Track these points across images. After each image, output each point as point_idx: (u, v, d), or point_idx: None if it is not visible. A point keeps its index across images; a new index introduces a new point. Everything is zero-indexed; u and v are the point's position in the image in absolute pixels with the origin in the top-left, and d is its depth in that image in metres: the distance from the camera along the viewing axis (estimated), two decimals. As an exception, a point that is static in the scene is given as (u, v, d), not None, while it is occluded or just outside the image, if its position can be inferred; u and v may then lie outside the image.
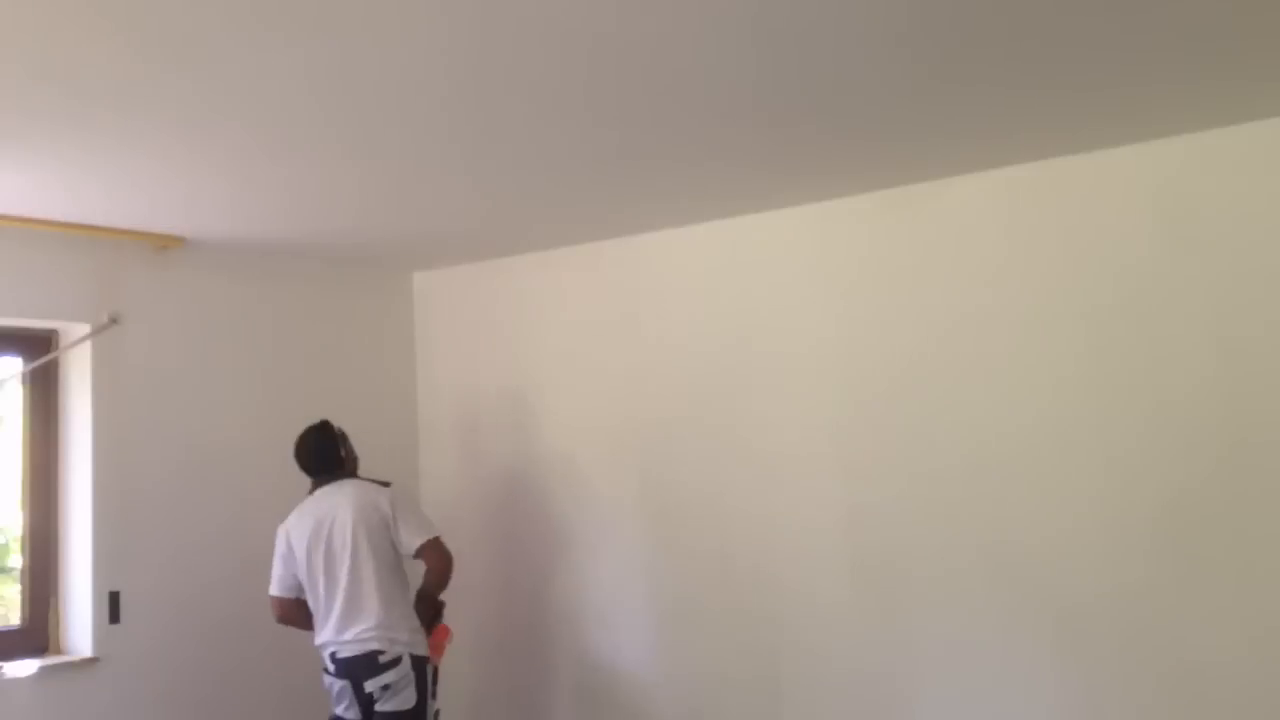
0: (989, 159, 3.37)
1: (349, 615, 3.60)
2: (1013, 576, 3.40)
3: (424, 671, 3.65)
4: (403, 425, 4.96)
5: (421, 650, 3.67)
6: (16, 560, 4.01)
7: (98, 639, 3.89)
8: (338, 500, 3.70)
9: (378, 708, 3.58)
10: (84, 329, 3.95)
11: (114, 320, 3.99)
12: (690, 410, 4.12)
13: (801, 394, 3.85)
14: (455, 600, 4.89)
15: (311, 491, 3.80)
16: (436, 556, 3.73)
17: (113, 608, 3.92)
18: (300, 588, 3.70)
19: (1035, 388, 3.37)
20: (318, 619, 3.67)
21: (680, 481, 4.15)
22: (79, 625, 3.93)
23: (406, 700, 3.59)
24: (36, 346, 4.00)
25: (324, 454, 3.81)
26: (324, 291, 4.72)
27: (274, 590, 3.75)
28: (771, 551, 3.89)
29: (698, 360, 4.11)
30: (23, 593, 3.96)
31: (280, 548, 3.72)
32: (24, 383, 3.99)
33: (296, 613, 3.74)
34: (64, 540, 4.00)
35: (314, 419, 4.59)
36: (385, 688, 3.56)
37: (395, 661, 3.58)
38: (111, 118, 2.66)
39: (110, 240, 3.91)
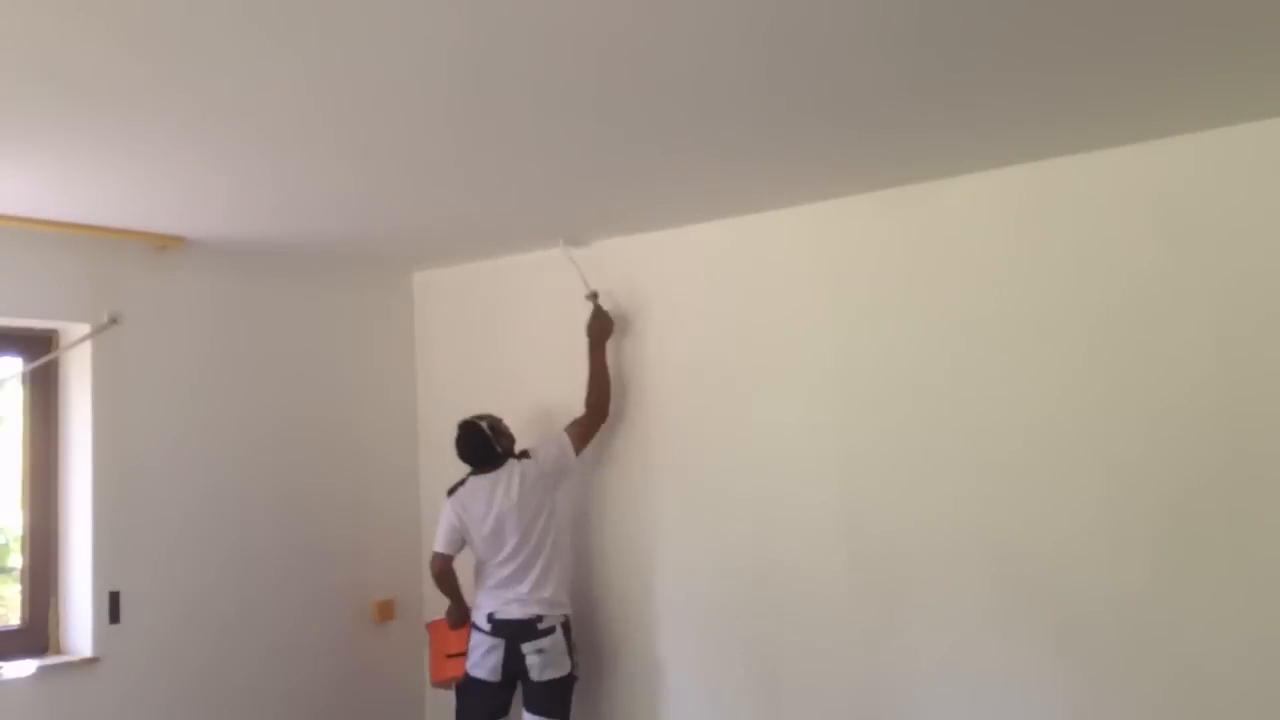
0: (989, 159, 3.37)
1: (520, 584, 3.96)
2: (1013, 578, 3.40)
3: (571, 641, 4.02)
4: (403, 425, 4.97)
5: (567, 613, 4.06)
6: (16, 560, 4.01)
7: (98, 639, 3.89)
8: (508, 483, 4.04)
9: (534, 677, 3.90)
10: (84, 329, 3.95)
11: (114, 320, 3.98)
12: (690, 409, 4.12)
13: (801, 394, 3.85)
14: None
15: (468, 476, 4.14)
16: (586, 418, 4.18)
17: (113, 608, 3.92)
18: (460, 546, 4.09)
19: (1036, 388, 3.37)
20: (483, 583, 4.04)
21: (680, 480, 4.15)
22: (79, 625, 3.93)
23: (561, 668, 3.95)
24: (36, 346, 4.00)
25: (478, 452, 4.12)
26: (324, 291, 4.72)
27: (440, 547, 4.11)
28: (771, 551, 3.89)
29: (698, 359, 4.11)
30: (23, 593, 3.96)
31: (451, 519, 4.07)
32: (24, 383, 3.99)
33: (446, 567, 4.11)
34: (64, 540, 4.00)
35: (314, 419, 4.62)
36: (540, 652, 3.90)
37: (551, 629, 3.95)
38: (111, 118, 2.66)
39: (110, 240, 3.91)
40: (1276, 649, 2.97)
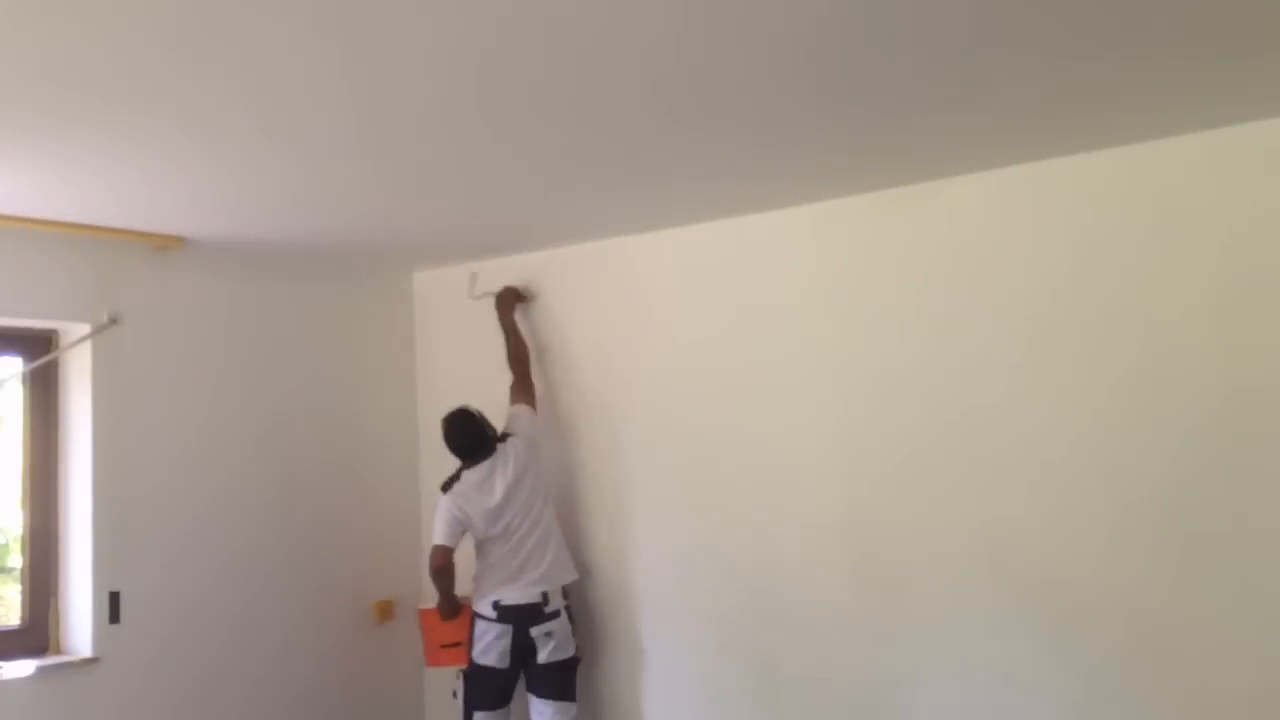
0: (988, 159, 3.37)
1: (525, 568, 3.99)
2: (1013, 577, 3.40)
3: (575, 623, 4.08)
4: (403, 425, 4.96)
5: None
6: (16, 560, 4.01)
7: (98, 639, 3.89)
8: (503, 471, 4.08)
9: (542, 658, 3.94)
10: (84, 329, 3.95)
11: (114, 320, 3.98)
12: (690, 408, 4.12)
13: (801, 393, 3.85)
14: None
15: (460, 470, 4.13)
16: (517, 383, 4.34)
17: (113, 608, 3.92)
18: (460, 538, 4.06)
19: (1035, 387, 3.37)
20: (486, 572, 4.04)
21: (680, 480, 4.15)
22: (79, 625, 3.93)
23: (567, 649, 4.02)
24: (36, 346, 4.00)
25: (475, 441, 4.13)
26: (324, 291, 4.72)
27: (439, 540, 4.05)
28: (771, 551, 3.89)
29: (697, 359, 4.11)
30: (23, 593, 3.96)
31: (454, 512, 4.04)
32: (24, 383, 3.99)
33: (445, 561, 4.06)
34: (64, 540, 3.99)
35: (314, 419, 4.62)
36: (549, 635, 3.95)
37: (557, 613, 4.00)
38: (112, 117, 2.66)
39: (110, 240, 3.91)
40: (1276, 648, 2.97)
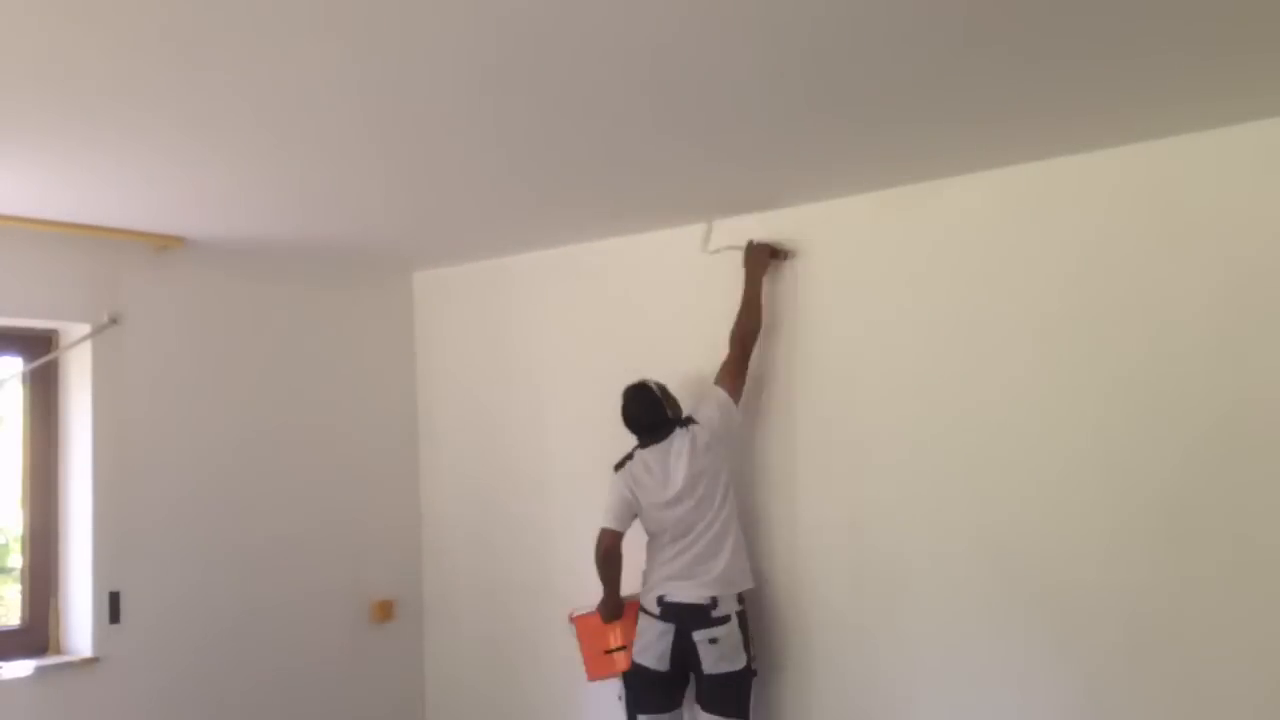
0: (988, 159, 3.37)
1: (694, 564, 3.61)
2: (1012, 577, 3.40)
3: (748, 632, 3.65)
4: (403, 425, 4.96)
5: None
6: (16, 560, 4.01)
7: (98, 639, 3.89)
8: (678, 453, 3.69)
9: (707, 669, 3.55)
10: (84, 329, 3.95)
11: (114, 320, 3.99)
12: (690, 408, 4.11)
13: (801, 394, 3.84)
14: (456, 600, 4.90)
15: (635, 449, 3.79)
16: (731, 364, 3.77)
17: (113, 608, 3.92)
18: (630, 521, 3.72)
19: (1035, 387, 3.37)
20: (652, 562, 3.71)
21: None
22: (79, 625, 3.94)
23: (736, 661, 3.58)
24: (36, 346, 4.00)
25: (652, 420, 3.78)
26: (324, 291, 4.72)
27: (608, 523, 3.72)
28: (771, 552, 3.89)
29: (697, 359, 4.10)
30: (23, 593, 3.96)
31: (623, 492, 3.72)
32: (24, 383, 3.99)
33: (614, 546, 3.72)
34: (64, 540, 4.00)
35: (314, 419, 4.61)
36: (714, 641, 3.55)
37: (726, 618, 3.58)
38: (112, 118, 2.66)
39: (110, 240, 3.91)
40: (1276, 648, 2.97)
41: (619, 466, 3.79)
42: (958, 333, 3.52)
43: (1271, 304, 3.00)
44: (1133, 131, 3.12)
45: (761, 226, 3.95)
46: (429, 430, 4.97)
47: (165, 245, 4.04)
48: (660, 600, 3.61)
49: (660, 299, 4.23)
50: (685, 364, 4.13)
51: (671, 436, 3.73)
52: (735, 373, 3.76)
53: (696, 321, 4.12)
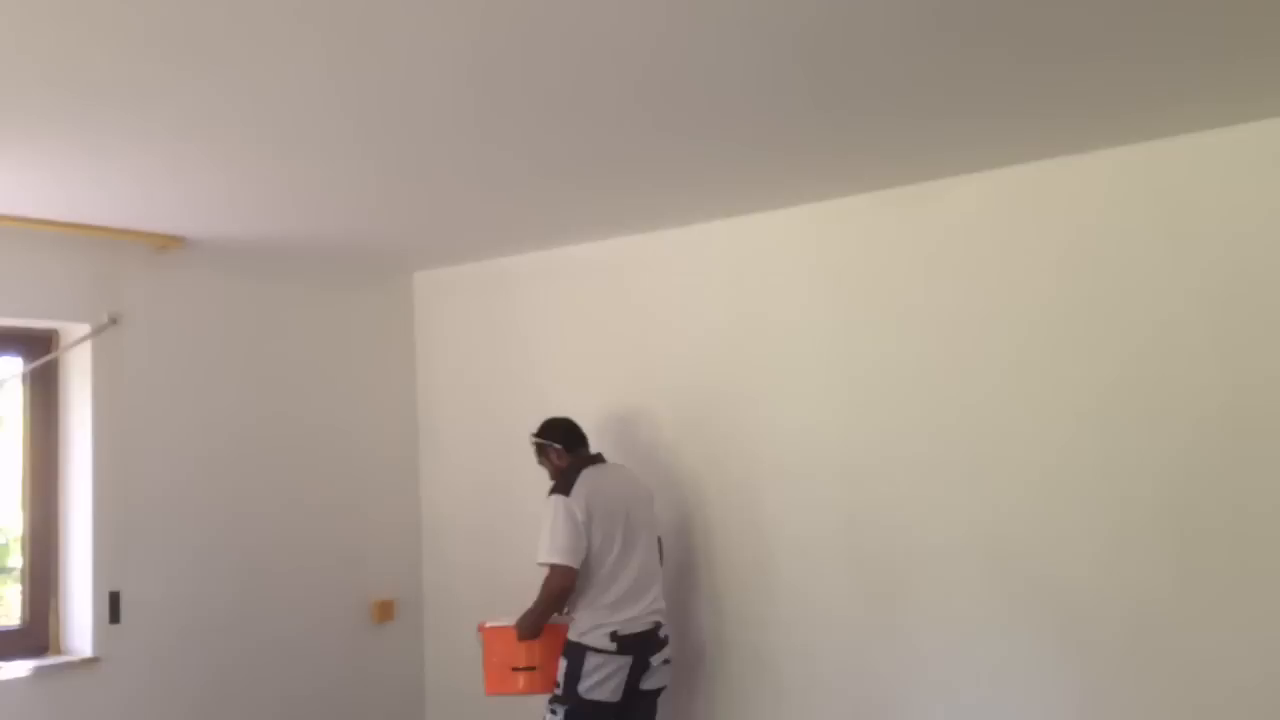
0: (989, 159, 3.37)
1: (638, 592, 3.62)
2: (1013, 577, 3.40)
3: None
4: (403, 425, 4.96)
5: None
6: (16, 560, 4.01)
7: (98, 639, 3.89)
8: (627, 477, 3.81)
9: (644, 685, 3.61)
10: (84, 329, 3.95)
11: (114, 320, 3.99)
12: (690, 409, 4.12)
13: (801, 393, 3.85)
14: (456, 601, 4.90)
15: (574, 464, 3.75)
16: (660, 553, 3.83)
17: (113, 608, 3.92)
18: (583, 554, 3.56)
19: (1034, 387, 3.37)
20: (592, 592, 3.58)
21: (680, 480, 4.15)
22: (79, 625, 3.93)
23: (668, 677, 3.71)
24: (36, 346, 4.00)
25: (583, 435, 3.88)
26: (324, 291, 4.72)
27: (568, 560, 3.53)
28: (771, 551, 3.89)
29: (698, 359, 4.11)
30: (23, 593, 3.96)
31: (579, 516, 3.56)
32: (24, 383, 3.99)
33: (572, 584, 3.57)
34: (64, 540, 4.00)
35: (314, 419, 4.62)
36: (666, 662, 3.66)
37: (668, 637, 3.70)
38: (112, 118, 2.66)
39: (110, 240, 3.91)
40: (1275, 645, 2.97)
41: (566, 491, 3.62)
42: (957, 331, 3.52)
43: (1269, 304, 3.00)
44: (1133, 131, 3.12)
45: (762, 226, 3.95)
46: (429, 430, 4.97)
47: (165, 245, 4.04)
48: (614, 636, 3.55)
49: (660, 299, 4.23)
50: (685, 363, 4.14)
51: (615, 464, 3.86)
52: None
53: (697, 321, 4.12)
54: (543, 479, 4.64)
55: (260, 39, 2.20)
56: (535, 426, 3.92)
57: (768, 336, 3.93)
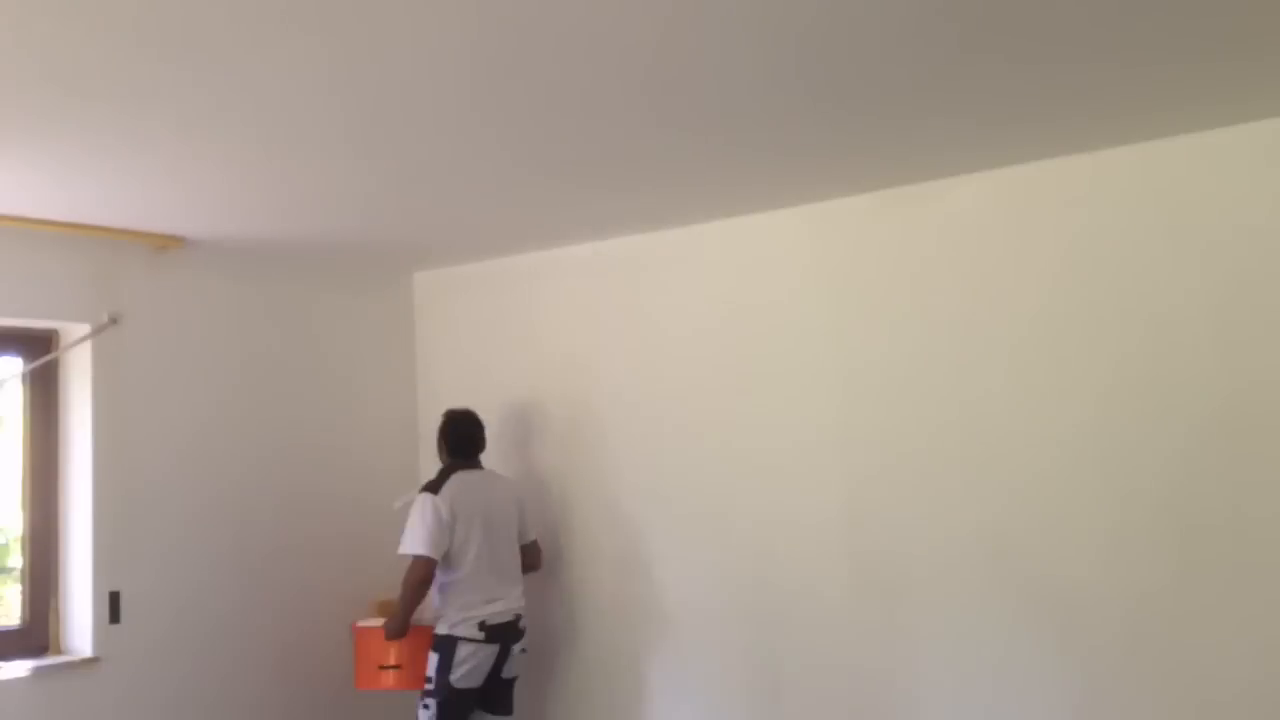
0: (989, 159, 3.37)
1: (501, 589, 3.96)
2: (1013, 577, 3.40)
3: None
4: (403, 426, 4.96)
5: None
6: (16, 560, 4.01)
7: (98, 639, 3.89)
8: (498, 484, 4.14)
9: (504, 673, 3.95)
10: (84, 329, 3.95)
11: (114, 320, 3.99)
12: (690, 409, 4.12)
13: (801, 393, 3.85)
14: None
15: (452, 470, 4.04)
16: (535, 554, 4.23)
17: (113, 608, 3.92)
18: (444, 549, 3.88)
19: (1033, 386, 3.37)
20: (459, 588, 3.90)
21: (680, 480, 4.15)
22: (79, 625, 3.93)
23: (523, 665, 4.06)
24: (36, 346, 4.00)
25: (479, 441, 4.16)
26: (324, 291, 4.72)
27: (428, 552, 3.84)
28: (771, 551, 3.89)
29: (698, 359, 4.11)
30: (23, 593, 3.96)
31: (443, 514, 3.88)
32: (24, 383, 3.99)
33: (431, 575, 3.89)
34: (64, 540, 4.00)
35: (314, 419, 4.62)
36: (524, 650, 4.01)
37: (525, 627, 4.02)
38: (112, 117, 2.66)
39: (110, 240, 3.91)
40: (1275, 644, 2.97)
41: (435, 489, 3.95)
42: (957, 331, 3.52)
43: (1269, 304, 3.00)
44: (1133, 131, 3.12)
45: (762, 227, 3.95)
46: (429, 430, 4.95)
47: (165, 245, 4.04)
48: (482, 625, 3.87)
49: (661, 299, 4.23)
50: (686, 363, 4.14)
51: (491, 470, 4.16)
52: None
53: (697, 321, 4.12)
54: (540, 478, 4.66)
55: (260, 39, 2.20)
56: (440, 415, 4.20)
57: (768, 336, 3.93)
